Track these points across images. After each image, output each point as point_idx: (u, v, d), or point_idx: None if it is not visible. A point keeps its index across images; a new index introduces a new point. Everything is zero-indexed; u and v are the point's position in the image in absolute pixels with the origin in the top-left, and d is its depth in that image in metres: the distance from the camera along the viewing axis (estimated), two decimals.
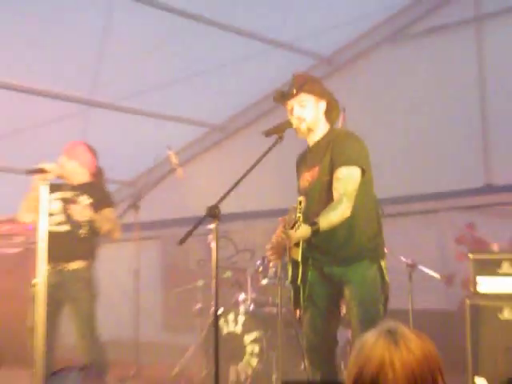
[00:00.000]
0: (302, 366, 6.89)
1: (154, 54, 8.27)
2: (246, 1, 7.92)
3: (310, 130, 4.75)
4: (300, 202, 4.19)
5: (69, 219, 6.20)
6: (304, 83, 4.75)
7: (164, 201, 9.69)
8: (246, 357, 7.01)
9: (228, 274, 7.59)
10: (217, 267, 4.13)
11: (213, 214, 4.03)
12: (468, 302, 6.19)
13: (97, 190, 6.46)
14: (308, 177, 4.82)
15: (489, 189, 8.09)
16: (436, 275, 7.03)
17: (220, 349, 4.25)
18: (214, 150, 10.69)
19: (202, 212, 4.24)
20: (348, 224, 4.54)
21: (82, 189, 6.32)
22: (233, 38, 8.35)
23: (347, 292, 4.72)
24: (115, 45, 7.45)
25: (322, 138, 4.78)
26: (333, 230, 4.49)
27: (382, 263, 4.77)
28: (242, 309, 7.21)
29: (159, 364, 8.38)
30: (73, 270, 6.21)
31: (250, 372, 6.94)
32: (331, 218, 4.41)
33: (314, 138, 4.82)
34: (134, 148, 9.70)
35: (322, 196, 4.67)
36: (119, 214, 9.04)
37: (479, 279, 6.20)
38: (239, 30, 8.29)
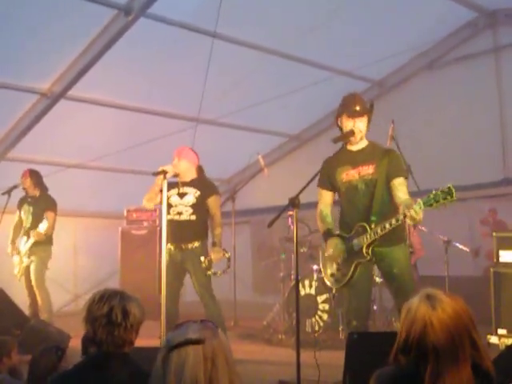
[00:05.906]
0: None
1: (245, 82, 8.33)
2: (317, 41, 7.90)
3: (361, 139, 4.64)
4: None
5: (187, 210, 6.11)
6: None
7: (253, 194, 9.73)
8: (319, 313, 7.05)
9: (304, 249, 7.58)
10: (296, 244, 4.17)
11: (293, 203, 4.05)
12: (492, 269, 6.19)
13: (203, 183, 6.28)
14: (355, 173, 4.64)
15: (506, 182, 7.97)
16: (466, 249, 7.00)
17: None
18: (291, 154, 10.70)
19: (283, 202, 4.26)
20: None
21: (192, 184, 6.24)
22: (305, 68, 8.37)
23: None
24: (216, 76, 7.51)
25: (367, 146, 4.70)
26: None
27: None
28: (315, 276, 7.26)
29: (252, 318, 8.45)
30: (195, 248, 6.08)
31: (321, 324, 6.98)
32: None
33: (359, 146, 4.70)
34: (230, 153, 9.77)
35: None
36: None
37: (501, 252, 6.13)
38: (311, 61, 8.32)
